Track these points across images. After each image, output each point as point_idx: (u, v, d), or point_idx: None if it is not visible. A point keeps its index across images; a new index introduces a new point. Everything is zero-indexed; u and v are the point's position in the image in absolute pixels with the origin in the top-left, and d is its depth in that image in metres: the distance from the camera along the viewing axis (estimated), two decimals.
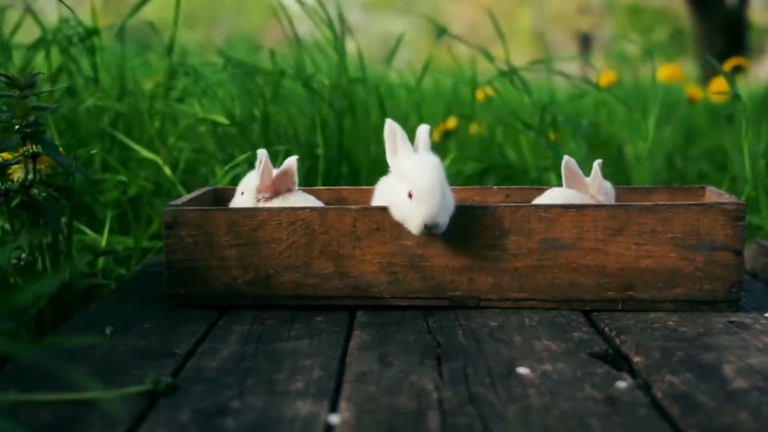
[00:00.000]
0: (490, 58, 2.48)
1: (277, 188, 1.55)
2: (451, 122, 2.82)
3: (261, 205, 1.52)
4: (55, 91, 2.19)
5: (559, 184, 1.62)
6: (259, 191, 1.54)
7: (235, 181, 1.97)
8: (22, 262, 1.41)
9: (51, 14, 2.47)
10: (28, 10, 2.25)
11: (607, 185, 1.55)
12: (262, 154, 1.53)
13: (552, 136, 2.48)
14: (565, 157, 1.55)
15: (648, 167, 2.51)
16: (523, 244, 1.38)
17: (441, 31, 2.50)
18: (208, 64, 2.51)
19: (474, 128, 2.86)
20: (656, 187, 1.66)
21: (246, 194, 1.56)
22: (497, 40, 2.57)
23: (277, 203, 1.53)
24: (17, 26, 2.19)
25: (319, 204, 1.55)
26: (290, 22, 2.44)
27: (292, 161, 1.57)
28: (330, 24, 2.37)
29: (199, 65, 2.46)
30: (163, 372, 1.10)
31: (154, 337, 1.27)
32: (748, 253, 1.82)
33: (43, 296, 1.37)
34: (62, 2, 1.64)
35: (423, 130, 1.46)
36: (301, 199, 1.55)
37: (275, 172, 1.54)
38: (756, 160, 2.05)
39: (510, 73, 2.46)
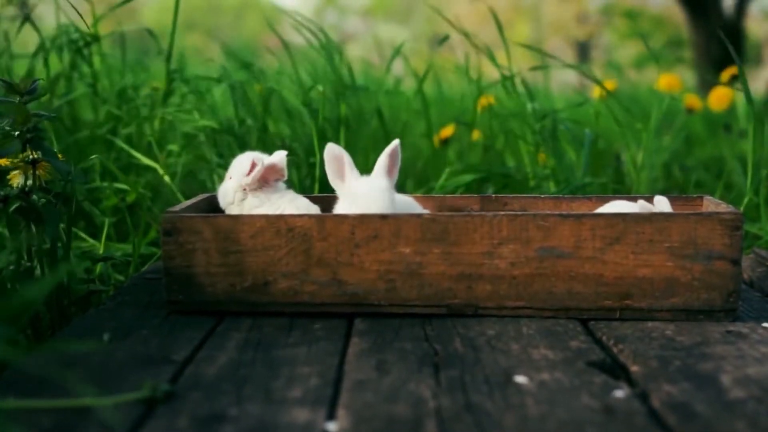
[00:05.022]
0: (494, 59, 2.48)
1: (264, 180, 1.57)
2: (449, 131, 2.82)
3: (249, 197, 1.55)
4: (54, 98, 2.19)
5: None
6: (247, 184, 1.55)
7: None
8: (20, 268, 1.40)
9: (52, 21, 2.47)
10: (26, 17, 2.25)
11: None
12: (259, 159, 1.54)
13: (542, 157, 2.49)
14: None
15: (646, 176, 2.51)
16: (521, 252, 1.39)
17: (443, 38, 2.51)
18: (207, 78, 2.51)
19: (475, 135, 2.87)
20: (654, 196, 1.66)
21: (234, 180, 1.57)
22: (495, 49, 2.57)
23: (265, 205, 1.54)
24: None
25: (312, 206, 1.56)
26: (281, 37, 2.45)
27: (281, 155, 1.59)
28: (325, 34, 2.37)
29: (197, 75, 2.47)
30: (160, 379, 1.10)
31: (151, 344, 1.27)
32: (745, 263, 1.82)
33: (39, 300, 1.37)
34: (70, 3, 1.64)
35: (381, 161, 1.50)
36: (288, 201, 1.56)
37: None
38: (755, 168, 2.05)
39: (511, 78, 2.47)
